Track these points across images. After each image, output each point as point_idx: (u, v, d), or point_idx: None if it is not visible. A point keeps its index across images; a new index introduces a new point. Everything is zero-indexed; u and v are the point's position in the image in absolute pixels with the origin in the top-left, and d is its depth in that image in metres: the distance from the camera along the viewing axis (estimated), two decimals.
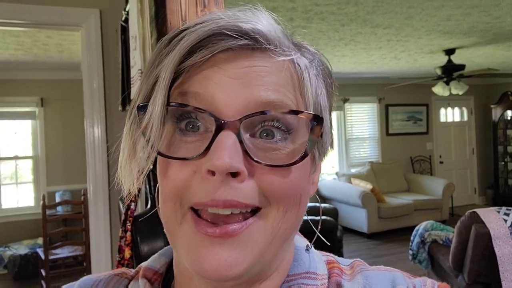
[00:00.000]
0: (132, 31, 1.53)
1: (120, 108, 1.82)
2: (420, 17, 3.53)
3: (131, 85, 1.50)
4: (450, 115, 8.12)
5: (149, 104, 0.38)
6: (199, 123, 0.39)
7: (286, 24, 0.42)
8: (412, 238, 3.57)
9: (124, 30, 1.74)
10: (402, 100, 7.50)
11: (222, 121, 0.36)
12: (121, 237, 1.07)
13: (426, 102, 7.71)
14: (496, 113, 7.69)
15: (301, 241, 0.48)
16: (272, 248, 0.39)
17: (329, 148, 0.46)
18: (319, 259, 0.47)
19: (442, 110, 8.01)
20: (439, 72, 5.18)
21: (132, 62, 1.54)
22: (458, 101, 7.98)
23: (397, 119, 7.57)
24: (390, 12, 3.36)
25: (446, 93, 5.36)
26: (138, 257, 1.10)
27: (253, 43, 0.38)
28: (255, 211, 0.38)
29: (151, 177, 1.34)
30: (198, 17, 1.42)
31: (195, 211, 0.38)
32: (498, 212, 2.71)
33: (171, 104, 0.38)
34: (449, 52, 4.93)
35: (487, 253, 2.61)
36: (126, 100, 1.72)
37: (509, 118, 7.55)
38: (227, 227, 0.36)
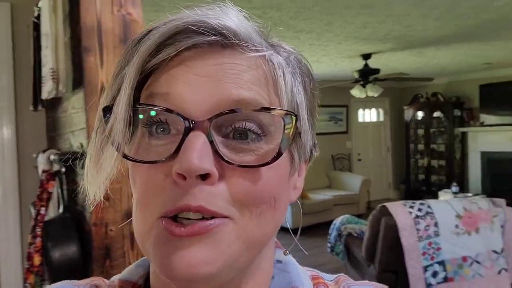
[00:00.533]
0: (44, 29, 1.47)
1: (31, 108, 1.74)
2: (339, 23, 3.73)
3: (42, 84, 1.44)
4: (368, 115, 8.66)
5: (114, 106, 0.36)
6: (170, 126, 0.36)
7: (261, 23, 0.40)
8: (330, 231, 3.74)
9: (37, 27, 1.66)
10: (324, 101, 7.83)
11: (191, 122, 0.34)
12: (30, 243, 1.03)
13: (346, 104, 8.15)
14: (408, 114, 8.35)
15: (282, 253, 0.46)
16: (248, 255, 0.37)
17: (312, 151, 0.45)
18: (304, 274, 0.45)
19: (360, 111, 8.52)
20: (356, 75, 5.49)
21: (44, 61, 1.48)
22: (374, 103, 8.53)
23: (320, 120, 7.85)
24: (311, 18, 3.51)
25: (363, 95, 5.70)
26: (49, 264, 1.06)
27: (221, 39, 0.36)
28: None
29: (64, 180, 1.30)
30: (114, 16, 1.40)
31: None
32: (405, 205, 2.96)
33: (137, 105, 0.36)
34: (366, 57, 5.24)
35: (395, 243, 2.83)
36: (37, 99, 1.64)
37: (419, 118, 8.21)
38: (195, 225, 0.34)
